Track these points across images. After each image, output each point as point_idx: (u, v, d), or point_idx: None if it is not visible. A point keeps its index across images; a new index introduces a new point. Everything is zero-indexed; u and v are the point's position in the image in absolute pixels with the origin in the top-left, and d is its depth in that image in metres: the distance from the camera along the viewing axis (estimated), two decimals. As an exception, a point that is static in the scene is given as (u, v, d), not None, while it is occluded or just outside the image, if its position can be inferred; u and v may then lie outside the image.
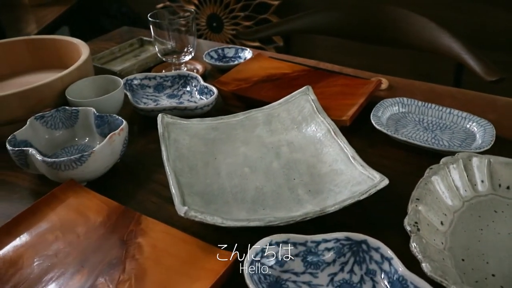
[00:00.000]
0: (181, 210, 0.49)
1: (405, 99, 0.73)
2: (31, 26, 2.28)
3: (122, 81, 0.74)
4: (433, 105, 0.72)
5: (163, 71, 0.90)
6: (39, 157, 0.57)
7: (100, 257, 0.48)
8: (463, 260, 0.48)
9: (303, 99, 0.70)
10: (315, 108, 0.69)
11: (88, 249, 0.49)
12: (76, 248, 0.49)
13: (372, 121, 0.68)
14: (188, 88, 0.82)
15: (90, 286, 0.45)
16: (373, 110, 0.71)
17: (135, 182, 0.63)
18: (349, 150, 0.61)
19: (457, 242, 0.50)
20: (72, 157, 0.56)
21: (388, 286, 0.44)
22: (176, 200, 0.52)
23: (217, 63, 0.92)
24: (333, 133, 0.64)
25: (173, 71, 0.86)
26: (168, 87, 0.83)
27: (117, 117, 0.65)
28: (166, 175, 0.59)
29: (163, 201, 0.59)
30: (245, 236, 0.50)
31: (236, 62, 0.92)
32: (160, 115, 0.66)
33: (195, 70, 0.90)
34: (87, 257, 0.48)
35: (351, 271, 0.47)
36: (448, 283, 0.41)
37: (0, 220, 0.55)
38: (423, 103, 0.72)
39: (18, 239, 0.50)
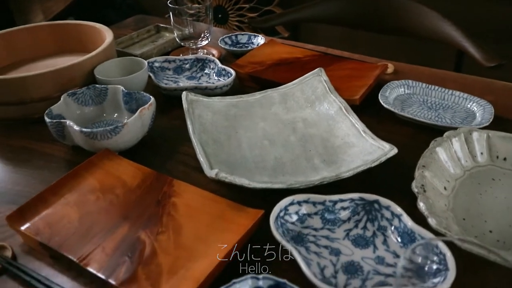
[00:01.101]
0: (212, 172, 0.54)
1: (410, 81, 0.79)
2: (38, 17, 2.32)
3: (146, 62, 0.79)
4: (436, 87, 0.77)
5: (181, 55, 0.95)
6: (76, 127, 0.62)
7: (139, 213, 0.53)
8: (464, 219, 0.53)
9: (316, 80, 0.76)
10: (327, 88, 0.74)
11: (128, 207, 0.54)
12: (117, 206, 0.54)
13: (380, 101, 0.74)
14: (206, 71, 0.87)
15: (132, 237, 0.50)
16: (381, 91, 0.76)
17: (162, 153, 0.68)
18: (360, 125, 0.66)
19: (459, 204, 0.55)
20: (107, 127, 0.62)
21: (398, 239, 0.50)
22: (205, 166, 0.58)
23: (232, 48, 0.97)
24: (344, 111, 0.70)
25: (190, 55, 0.91)
26: (187, 70, 0.88)
27: (144, 93, 0.70)
28: (191, 147, 0.65)
29: (190, 169, 0.64)
30: (267, 200, 0.55)
31: (249, 48, 0.97)
32: (184, 92, 0.71)
33: (211, 55, 0.95)
34: (128, 213, 0.53)
35: (365, 227, 0.52)
36: (452, 234, 0.47)
37: (42, 186, 0.61)
38: (427, 85, 0.78)
39: (63, 198, 0.55)
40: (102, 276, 0.45)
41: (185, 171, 0.64)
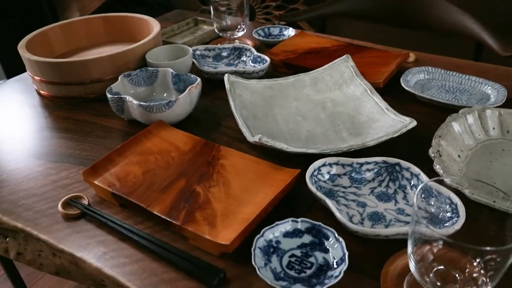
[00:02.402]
0: (255, 137, 0.63)
1: (430, 67, 0.86)
2: (74, 14, 2.45)
3: (191, 49, 0.88)
4: (454, 73, 0.84)
5: (219, 44, 1.04)
6: (135, 102, 0.72)
7: (193, 171, 0.62)
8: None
9: (344, 65, 0.84)
10: (353, 73, 0.82)
11: (183, 166, 0.63)
12: (173, 166, 0.64)
13: (402, 84, 0.81)
14: (242, 58, 0.96)
15: (189, 189, 0.59)
16: (402, 76, 0.84)
17: (207, 126, 0.77)
18: (383, 104, 0.74)
19: (471, 169, 0.63)
20: (162, 101, 0.71)
21: (416, 195, 0.58)
22: (247, 134, 0.67)
23: (264, 39, 1.06)
24: (369, 92, 0.78)
25: (228, 44, 1.00)
26: (225, 57, 0.97)
27: (191, 75, 0.80)
28: (232, 121, 0.74)
29: (232, 140, 0.73)
30: (300, 165, 0.63)
31: (280, 39, 1.06)
32: (226, 74, 0.80)
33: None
34: (183, 171, 0.62)
35: (387, 186, 0.60)
36: (463, 188, 0.54)
37: (106, 151, 0.71)
38: (446, 71, 0.85)
39: (127, 159, 0.65)
40: (168, 218, 0.54)
41: (228, 141, 0.73)
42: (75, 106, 0.86)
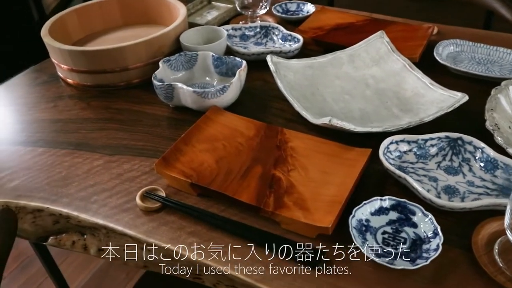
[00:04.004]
0: (325, 119, 0.65)
1: (457, 40, 0.89)
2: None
3: (225, 31, 0.87)
4: (482, 44, 0.88)
5: (240, 23, 1.03)
6: (190, 88, 0.71)
7: (266, 156, 0.63)
8: (529, 150, 0.65)
9: (379, 41, 0.85)
10: (390, 49, 0.84)
11: (253, 151, 0.64)
12: (244, 152, 0.64)
13: (436, 58, 0.84)
14: (270, 37, 0.96)
15: (268, 174, 0.60)
16: (434, 49, 0.86)
17: (257, 109, 0.77)
18: (426, 79, 0.77)
19: (522, 139, 0.67)
20: (217, 87, 0.71)
21: (482, 167, 0.61)
22: (309, 117, 0.68)
23: (283, 15, 1.06)
24: (408, 67, 0.80)
25: (255, 22, 0.99)
26: (251, 37, 0.97)
27: (234, 58, 0.79)
28: (280, 103, 0.75)
29: (287, 121, 0.74)
30: (357, 143, 0.65)
31: (300, 15, 1.06)
32: (269, 55, 0.80)
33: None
34: (256, 156, 0.63)
35: (451, 160, 0.64)
36: (531, 158, 0.59)
37: (161, 140, 0.71)
38: (473, 43, 0.88)
39: (194, 147, 0.65)
40: (259, 206, 0.55)
41: (283, 123, 0.73)
42: (110, 95, 0.84)
